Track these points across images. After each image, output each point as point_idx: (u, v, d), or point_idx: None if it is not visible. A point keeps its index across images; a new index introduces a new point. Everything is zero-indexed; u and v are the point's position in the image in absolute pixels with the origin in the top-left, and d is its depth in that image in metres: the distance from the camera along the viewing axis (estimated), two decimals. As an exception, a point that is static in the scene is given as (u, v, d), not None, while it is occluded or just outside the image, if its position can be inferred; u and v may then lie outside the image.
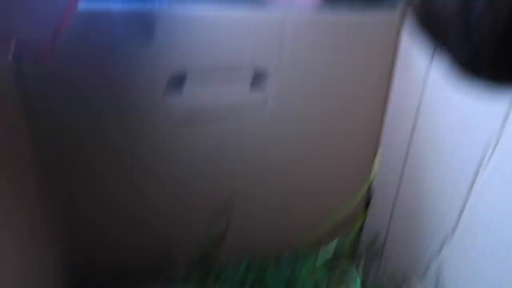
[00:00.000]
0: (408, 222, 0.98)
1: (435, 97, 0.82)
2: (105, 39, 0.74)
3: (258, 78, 0.87)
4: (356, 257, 1.12)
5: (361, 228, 1.16)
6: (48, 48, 0.55)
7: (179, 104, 0.84)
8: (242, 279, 1.04)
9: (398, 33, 0.90)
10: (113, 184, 0.89)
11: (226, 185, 0.97)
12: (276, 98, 0.90)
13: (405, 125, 0.91)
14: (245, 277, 1.05)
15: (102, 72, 0.77)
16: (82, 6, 0.69)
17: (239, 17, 0.80)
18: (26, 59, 0.68)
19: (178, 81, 0.82)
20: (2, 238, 0.60)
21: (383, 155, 1.04)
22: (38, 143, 0.78)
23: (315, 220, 1.10)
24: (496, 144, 0.67)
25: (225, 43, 0.81)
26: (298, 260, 1.09)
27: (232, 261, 1.08)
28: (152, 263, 1.02)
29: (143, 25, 0.75)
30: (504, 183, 0.66)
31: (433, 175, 0.85)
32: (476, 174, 0.72)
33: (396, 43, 0.90)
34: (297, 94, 0.91)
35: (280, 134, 0.94)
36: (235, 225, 1.04)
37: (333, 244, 1.11)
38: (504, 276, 0.68)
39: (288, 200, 1.05)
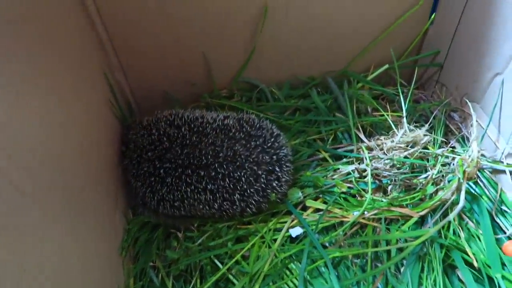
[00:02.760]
0: (473, 41, 0.87)
1: None
2: None
3: None
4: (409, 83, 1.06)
5: (418, 50, 1.06)
6: None
7: None
8: (286, 98, 1.04)
9: None
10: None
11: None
12: None
13: None
14: (288, 98, 1.05)
15: None
16: None
17: None
18: None
19: None
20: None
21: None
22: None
23: (366, 37, 1.01)
24: None
25: None
26: (343, 82, 1.04)
27: (273, 84, 1.06)
28: (192, 90, 1.03)
29: None
30: None
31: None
32: None
33: None
34: None
35: None
36: (275, 44, 0.98)
37: (383, 66, 1.04)
38: None
39: (336, 12, 0.94)
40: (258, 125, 0.82)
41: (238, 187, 0.75)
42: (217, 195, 0.76)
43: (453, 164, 0.81)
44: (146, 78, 1.00)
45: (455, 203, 0.74)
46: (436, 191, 0.78)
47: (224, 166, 0.75)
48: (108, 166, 0.80)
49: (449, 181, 0.79)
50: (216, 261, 0.74)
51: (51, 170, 0.54)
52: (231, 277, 0.73)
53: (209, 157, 0.75)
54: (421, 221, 0.78)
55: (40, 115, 0.54)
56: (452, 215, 0.71)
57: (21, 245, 0.44)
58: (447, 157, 0.83)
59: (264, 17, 0.91)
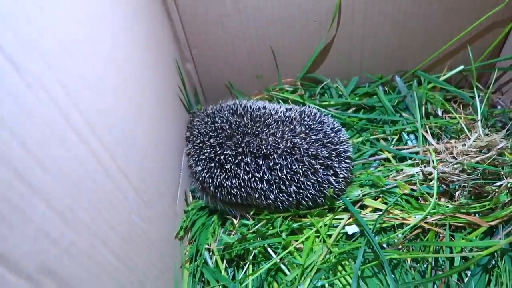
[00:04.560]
0: None
1: None
2: None
3: None
4: (485, 87, 0.98)
5: (499, 52, 0.99)
6: None
7: None
8: (350, 95, 1.02)
9: None
10: None
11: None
12: None
13: None
14: (353, 95, 1.03)
15: None
16: None
17: None
18: None
19: None
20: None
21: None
22: None
23: (441, 37, 0.95)
24: None
25: None
26: (413, 82, 1.00)
27: (338, 81, 1.05)
28: (257, 82, 1.05)
29: None
30: None
31: None
32: None
33: None
34: None
35: None
36: (344, 40, 0.96)
37: (457, 68, 0.98)
38: None
39: (409, 8, 0.90)
40: (319, 119, 0.82)
41: (295, 179, 0.75)
42: (274, 185, 0.76)
43: (533, 174, 0.75)
44: (214, 69, 1.04)
45: (532, 216, 0.68)
46: (511, 201, 0.72)
47: (283, 157, 0.75)
48: (173, 150, 0.84)
49: (526, 192, 0.73)
50: (269, 250, 0.75)
51: (125, 148, 0.58)
52: (283, 267, 0.73)
53: (269, 147, 0.76)
54: (491, 232, 0.72)
55: (117, 98, 0.58)
56: (527, 228, 0.66)
57: (93, 209, 0.48)
58: (526, 166, 0.76)
59: (335, 13, 0.90)
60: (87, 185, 0.47)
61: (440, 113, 0.95)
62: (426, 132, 0.89)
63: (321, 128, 0.80)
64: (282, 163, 0.75)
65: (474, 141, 0.79)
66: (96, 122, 0.50)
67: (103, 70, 0.54)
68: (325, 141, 0.78)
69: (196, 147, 0.84)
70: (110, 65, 0.56)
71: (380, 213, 0.76)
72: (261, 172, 0.76)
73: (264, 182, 0.76)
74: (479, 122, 0.83)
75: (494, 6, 0.88)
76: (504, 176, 0.75)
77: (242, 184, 0.77)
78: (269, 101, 0.97)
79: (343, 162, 0.79)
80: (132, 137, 0.61)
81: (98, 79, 0.52)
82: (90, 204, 0.47)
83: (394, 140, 0.93)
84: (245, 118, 0.81)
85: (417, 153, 0.87)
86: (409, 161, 0.87)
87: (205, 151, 0.81)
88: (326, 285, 0.68)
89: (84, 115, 0.47)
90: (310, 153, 0.76)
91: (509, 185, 0.73)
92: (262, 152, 0.76)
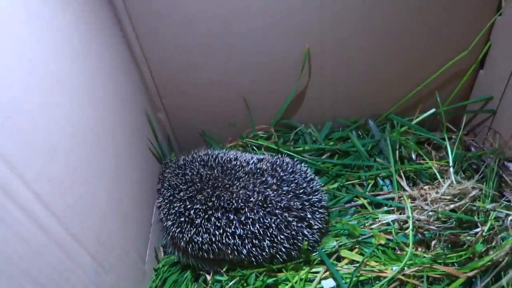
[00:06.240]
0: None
1: None
2: None
3: None
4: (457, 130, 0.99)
5: (468, 94, 1.00)
6: None
7: None
8: (324, 140, 1.01)
9: None
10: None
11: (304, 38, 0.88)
12: None
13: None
14: (327, 140, 1.02)
15: None
16: None
17: None
18: None
19: None
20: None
21: None
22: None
23: (412, 81, 0.97)
24: None
25: None
26: (386, 126, 1.00)
27: (312, 126, 1.04)
28: (232, 129, 1.05)
29: None
30: None
31: None
32: None
33: None
34: None
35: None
36: (315, 86, 0.97)
37: (429, 111, 0.99)
38: None
39: (378, 58, 0.92)
40: (291, 170, 0.80)
41: (268, 233, 0.73)
42: (246, 240, 0.73)
43: (509, 221, 0.74)
44: (187, 117, 1.03)
45: (510, 265, 0.66)
46: (487, 250, 0.70)
47: (255, 211, 0.73)
48: (142, 204, 0.82)
49: (502, 240, 0.71)
50: (242, 309, 0.71)
51: (81, 213, 0.55)
52: (256, 329, 0.69)
53: (240, 201, 0.74)
54: (470, 282, 0.70)
55: (73, 162, 0.56)
56: (505, 279, 0.64)
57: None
58: (501, 212, 0.76)
59: (304, 62, 0.91)
60: (33, 264, 0.44)
61: (414, 157, 0.94)
62: (401, 177, 0.88)
63: (293, 178, 0.78)
64: (254, 217, 0.73)
65: (447, 188, 0.78)
66: (45, 192, 0.48)
67: (57, 136, 0.52)
68: (297, 191, 0.76)
69: (166, 201, 0.82)
70: (65, 130, 0.54)
71: (357, 265, 0.73)
72: (233, 227, 0.73)
73: (236, 237, 0.73)
74: (451, 168, 0.83)
75: (459, 52, 0.90)
76: (479, 223, 0.74)
77: (214, 239, 0.75)
78: (243, 150, 0.96)
79: (317, 213, 0.77)
80: (91, 199, 0.59)
81: (50, 145, 0.50)
82: (36, 284, 0.44)
83: (370, 185, 0.91)
84: (215, 171, 0.80)
85: (392, 199, 0.86)
86: (385, 208, 0.85)
87: (175, 205, 0.79)
88: None
89: (30, 186, 0.45)
90: (282, 205, 0.74)
91: (484, 234, 0.71)
92: (233, 206, 0.74)
